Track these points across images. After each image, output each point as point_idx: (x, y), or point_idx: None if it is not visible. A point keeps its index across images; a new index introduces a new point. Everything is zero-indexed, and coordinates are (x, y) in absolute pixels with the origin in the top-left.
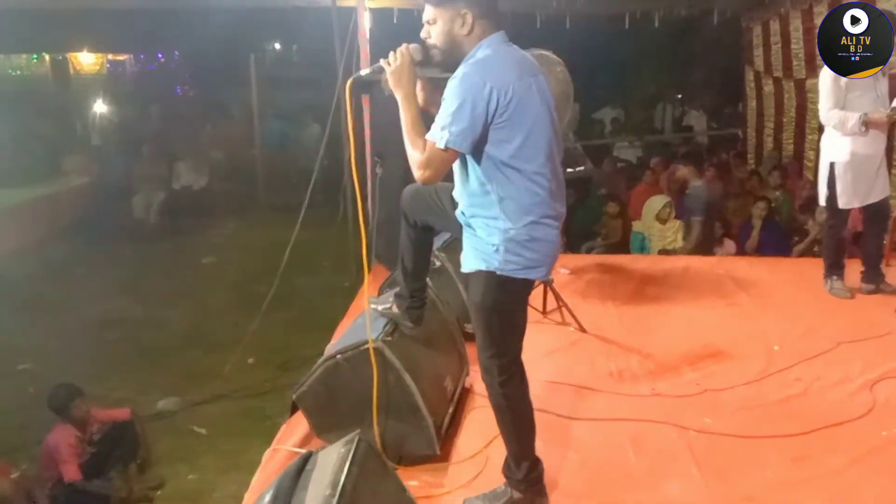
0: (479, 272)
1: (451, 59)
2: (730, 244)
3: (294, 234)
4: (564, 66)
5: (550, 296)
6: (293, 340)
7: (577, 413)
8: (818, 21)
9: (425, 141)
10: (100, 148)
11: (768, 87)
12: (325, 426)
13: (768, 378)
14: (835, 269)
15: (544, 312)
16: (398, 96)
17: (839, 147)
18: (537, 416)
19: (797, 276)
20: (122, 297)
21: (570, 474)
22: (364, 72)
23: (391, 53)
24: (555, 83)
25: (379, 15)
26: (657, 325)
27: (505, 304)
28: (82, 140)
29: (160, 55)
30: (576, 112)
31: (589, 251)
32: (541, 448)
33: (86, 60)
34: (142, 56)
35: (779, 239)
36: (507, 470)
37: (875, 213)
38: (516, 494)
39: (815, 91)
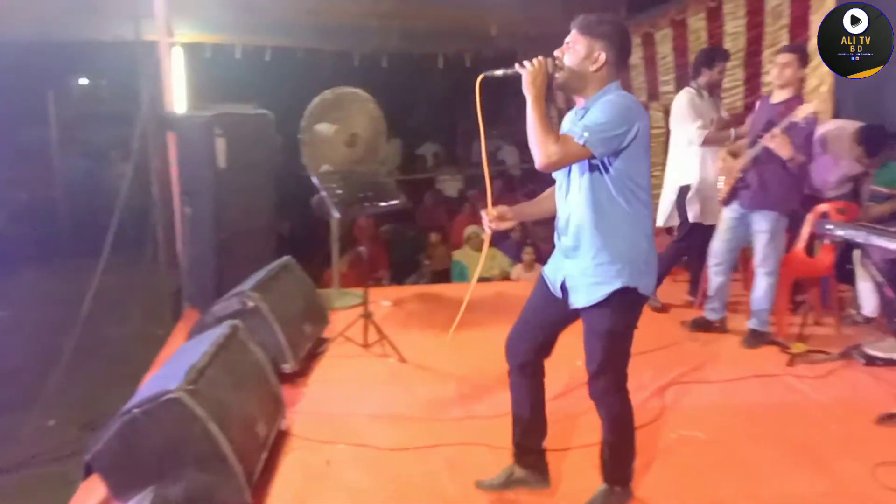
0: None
1: (572, 82)
2: (540, 269)
3: (96, 279)
4: (375, 104)
5: (371, 329)
6: (100, 396)
7: (396, 444)
8: None
9: (559, 134)
10: None
11: None
12: (125, 486)
13: (572, 392)
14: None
15: (365, 346)
16: (530, 95)
17: (690, 170)
18: (357, 452)
19: None
20: None
21: None
22: (498, 72)
23: (527, 61)
24: (367, 120)
25: (192, 50)
26: (473, 350)
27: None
28: None
29: None
30: (398, 147)
31: (415, 283)
32: (360, 482)
33: None
34: None
35: None
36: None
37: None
38: (626, 489)
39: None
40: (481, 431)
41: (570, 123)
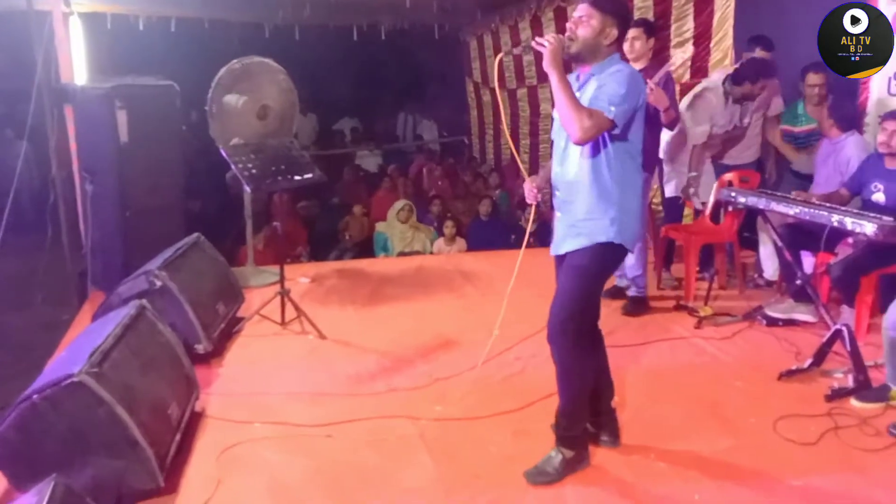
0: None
1: (584, 54)
2: (461, 242)
3: None
4: (286, 75)
5: (290, 306)
6: (2, 386)
7: (315, 420)
8: (524, 36)
9: (590, 110)
10: None
11: (486, 96)
12: (27, 476)
13: (491, 361)
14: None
15: (283, 324)
16: (555, 72)
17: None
18: (275, 430)
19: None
20: None
21: (305, 483)
22: (516, 49)
23: (544, 38)
24: (278, 91)
25: (92, 20)
26: (393, 324)
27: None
28: None
29: None
30: (314, 122)
31: (338, 258)
32: (279, 460)
33: None
34: None
35: (501, 233)
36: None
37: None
38: (567, 453)
39: (526, 100)
40: (403, 404)
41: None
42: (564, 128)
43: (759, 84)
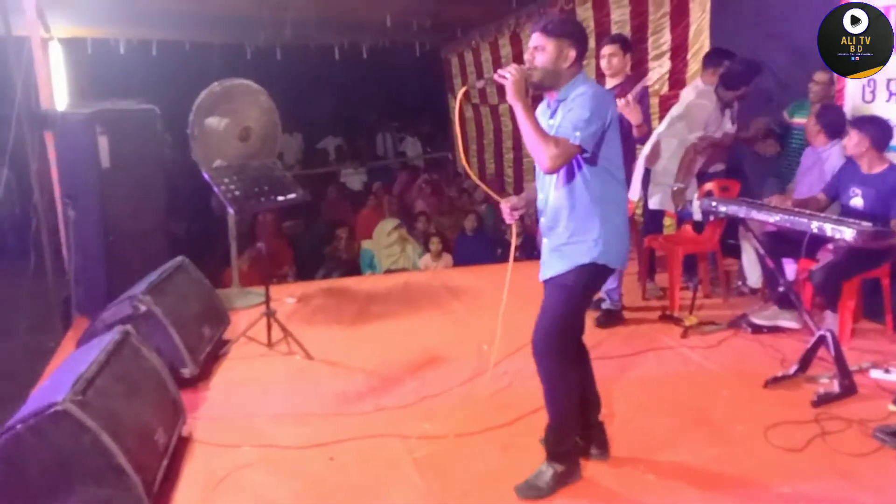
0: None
1: (547, 81)
2: (447, 258)
3: None
4: (267, 96)
5: (276, 327)
6: None
7: (303, 441)
8: (504, 52)
9: (556, 138)
10: None
11: (469, 113)
12: None
13: (479, 377)
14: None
15: (269, 345)
16: (519, 104)
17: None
18: (263, 453)
19: (503, 281)
20: None
21: None
22: (478, 83)
23: (505, 69)
24: (259, 112)
25: (72, 46)
26: (381, 342)
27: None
28: None
29: None
30: (301, 141)
31: (325, 276)
32: (268, 483)
33: None
34: None
35: (487, 248)
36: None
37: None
38: (558, 467)
39: (507, 115)
40: (391, 422)
41: (542, 117)
42: (533, 158)
43: (753, 83)
